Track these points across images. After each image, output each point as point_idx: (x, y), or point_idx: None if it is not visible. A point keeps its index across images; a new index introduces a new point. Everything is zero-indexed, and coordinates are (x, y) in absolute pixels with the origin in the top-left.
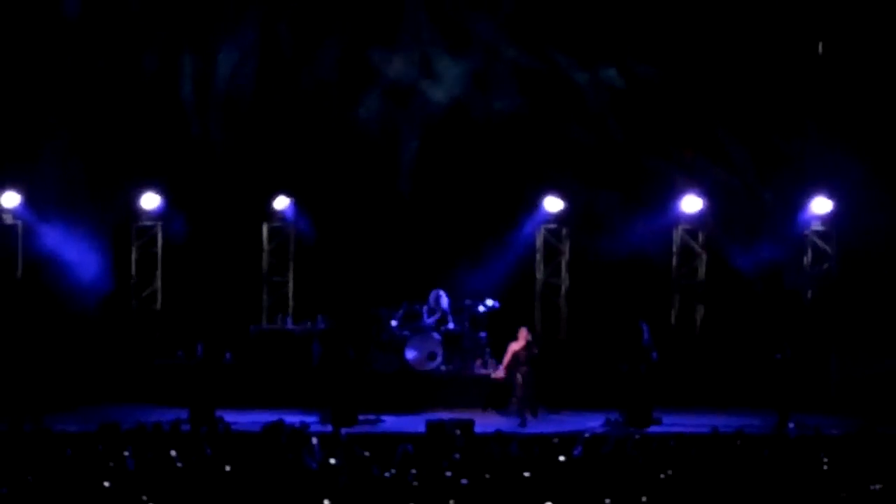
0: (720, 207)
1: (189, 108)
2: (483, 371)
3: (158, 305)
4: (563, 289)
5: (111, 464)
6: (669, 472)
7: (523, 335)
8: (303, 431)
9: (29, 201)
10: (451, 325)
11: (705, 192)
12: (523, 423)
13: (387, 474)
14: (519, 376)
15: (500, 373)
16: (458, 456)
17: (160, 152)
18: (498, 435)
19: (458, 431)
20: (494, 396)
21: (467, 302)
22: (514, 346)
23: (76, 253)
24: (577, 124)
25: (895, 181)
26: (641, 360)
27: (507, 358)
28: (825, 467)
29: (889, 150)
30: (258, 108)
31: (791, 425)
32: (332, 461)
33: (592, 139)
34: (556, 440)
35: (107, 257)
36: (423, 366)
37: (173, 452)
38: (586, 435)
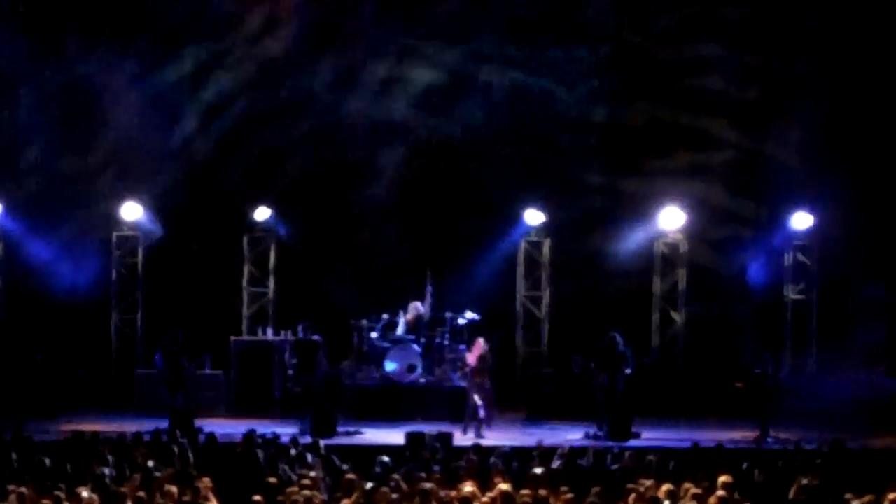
0: (701, 221)
1: (171, 118)
2: (463, 383)
3: (139, 315)
4: (544, 301)
5: (90, 473)
6: (648, 485)
7: (478, 346)
8: (281, 442)
9: (10, 211)
10: (423, 336)
11: (687, 205)
12: (478, 435)
13: (366, 485)
14: (472, 387)
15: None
16: (437, 468)
17: (141, 162)
18: (477, 447)
19: (437, 443)
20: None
21: (448, 314)
22: (469, 358)
23: (58, 263)
24: (560, 137)
25: (876, 197)
26: (617, 372)
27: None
28: (804, 481)
29: (870, 166)
30: (241, 118)
31: (770, 439)
32: (312, 473)
33: (574, 151)
34: (535, 453)
35: (88, 267)
36: (403, 377)
37: (152, 462)
38: (565, 448)
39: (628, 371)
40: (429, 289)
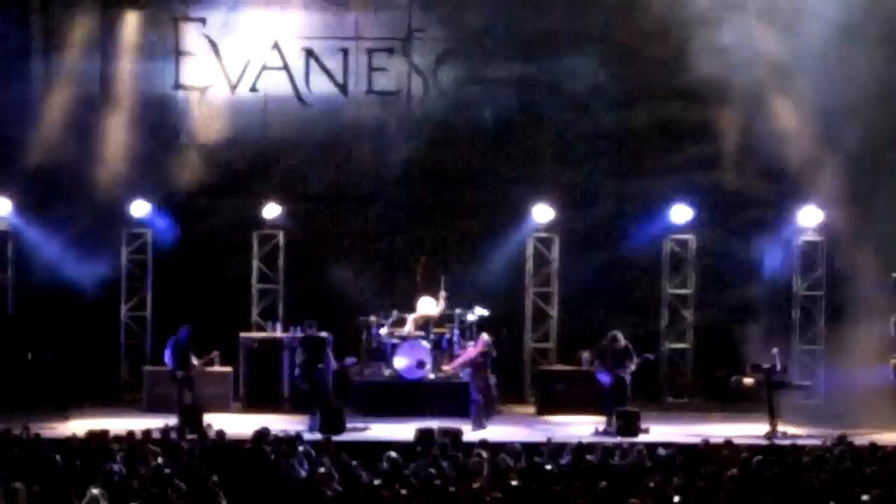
0: (710, 217)
1: (180, 116)
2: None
3: (148, 312)
4: (554, 297)
5: (100, 470)
6: (657, 480)
7: (482, 341)
8: (290, 439)
9: (19, 208)
10: (431, 332)
11: (695, 202)
12: (475, 428)
13: (375, 482)
14: (475, 381)
15: (448, 367)
16: (446, 464)
17: (150, 158)
18: (486, 443)
19: (446, 439)
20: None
21: (457, 310)
22: (472, 351)
23: (66, 259)
24: (568, 133)
25: (883, 191)
26: (621, 368)
27: (460, 359)
28: (814, 476)
29: (877, 160)
30: (250, 114)
31: (780, 434)
32: (321, 469)
33: (582, 148)
34: (543, 449)
35: (97, 264)
36: (412, 374)
37: (161, 459)
38: (574, 444)
39: (633, 366)
40: (442, 293)
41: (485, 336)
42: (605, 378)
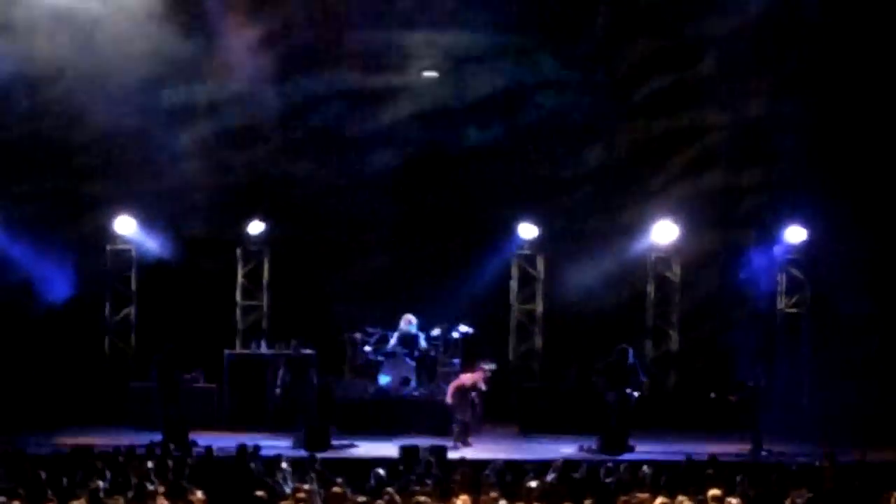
0: (695, 234)
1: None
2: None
3: (132, 328)
4: (538, 315)
5: (85, 487)
6: (642, 498)
7: (479, 372)
8: (273, 456)
9: (3, 223)
10: (421, 348)
11: (680, 220)
12: (465, 443)
13: (360, 499)
14: (466, 402)
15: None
16: (430, 481)
17: (136, 175)
18: (471, 461)
19: (431, 457)
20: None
21: (442, 327)
22: (465, 380)
23: (51, 276)
24: (553, 150)
25: (868, 210)
26: (630, 386)
27: (454, 386)
28: (799, 495)
29: (862, 179)
30: (234, 130)
31: (764, 452)
32: (306, 486)
33: (567, 165)
34: (529, 466)
35: (82, 280)
36: (397, 391)
37: (145, 475)
38: (559, 461)
39: (643, 380)
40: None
41: (481, 369)
42: (611, 396)
